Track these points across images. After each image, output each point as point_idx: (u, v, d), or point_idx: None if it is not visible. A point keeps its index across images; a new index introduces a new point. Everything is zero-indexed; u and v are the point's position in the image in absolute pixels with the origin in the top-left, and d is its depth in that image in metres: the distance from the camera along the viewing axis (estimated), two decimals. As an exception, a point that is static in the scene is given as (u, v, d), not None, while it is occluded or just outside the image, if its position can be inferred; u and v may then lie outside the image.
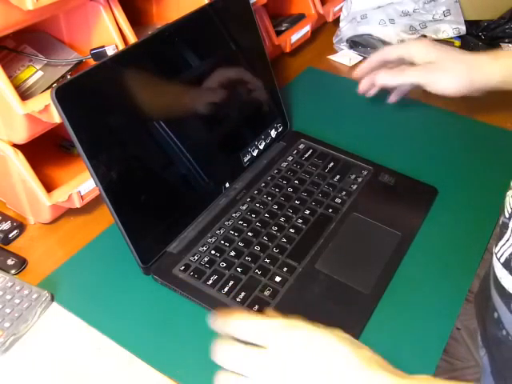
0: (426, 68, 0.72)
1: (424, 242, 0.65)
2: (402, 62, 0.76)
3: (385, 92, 0.84)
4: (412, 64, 0.74)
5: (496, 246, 0.52)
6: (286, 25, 1.01)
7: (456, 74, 0.71)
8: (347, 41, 1.06)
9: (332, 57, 1.05)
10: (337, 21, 1.10)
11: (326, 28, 1.14)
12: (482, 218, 0.68)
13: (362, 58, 1.04)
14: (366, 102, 0.93)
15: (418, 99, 0.92)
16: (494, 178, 0.73)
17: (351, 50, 1.06)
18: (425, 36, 1.05)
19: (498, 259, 0.51)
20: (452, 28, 1.05)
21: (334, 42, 1.08)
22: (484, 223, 0.68)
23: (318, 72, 1.00)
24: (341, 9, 1.10)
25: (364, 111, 0.90)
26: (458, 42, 1.06)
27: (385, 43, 1.04)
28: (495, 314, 0.54)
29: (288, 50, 1.00)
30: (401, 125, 0.74)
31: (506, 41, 1.07)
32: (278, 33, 0.98)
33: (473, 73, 0.71)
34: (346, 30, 1.07)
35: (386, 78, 0.74)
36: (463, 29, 1.05)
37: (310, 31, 1.04)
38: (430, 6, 1.05)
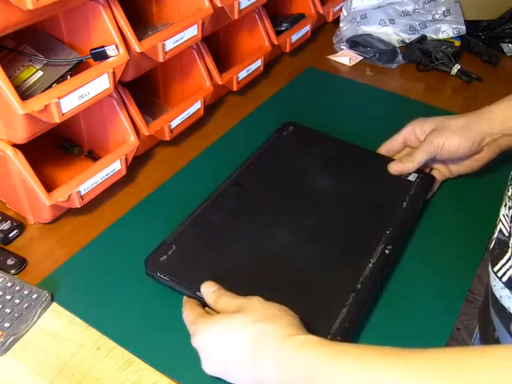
0: (429, 138, 0.68)
1: (424, 241, 0.66)
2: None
3: (388, 95, 0.84)
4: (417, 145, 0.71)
5: (495, 264, 0.51)
6: (285, 25, 1.01)
7: (459, 127, 0.67)
8: (347, 41, 1.06)
9: (332, 57, 1.05)
10: (337, 21, 1.10)
11: (326, 28, 1.14)
12: (482, 218, 0.68)
13: (361, 57, 1.04)
14: (366, 102, 0.93)
15: (418, 99, 0.93)
16: (495, 178, 0.73)
17: (351, 50, 1.06)
18: (425, 36, 1.05)
19: (500, 278, 0.49)
20: (452, 28, 1.05)
21: (334, 41, 1.08)
22: (484, 222, 0.68)
23: (317, 72, 1.00)
24: (341, 9, 1.10)
25: (364, 111, 0.90)
26: (458, 42, 1.06)
27: (384, 43, 1.04)
28: (495, 334, 0.53)
29: (288, 49, 1.00)
30: (401, 125, 0.74)
31: (506, 41, 1.07)
32: (278, 33, 0.98)
33: (474, 123, 0.67)
34: (346, 30, 1.07)
35: (398, 170, 0.70)
36: (463, 29, 1.05)
37: (309, 31, 1.04)
38: (430, 6, 1.05)
